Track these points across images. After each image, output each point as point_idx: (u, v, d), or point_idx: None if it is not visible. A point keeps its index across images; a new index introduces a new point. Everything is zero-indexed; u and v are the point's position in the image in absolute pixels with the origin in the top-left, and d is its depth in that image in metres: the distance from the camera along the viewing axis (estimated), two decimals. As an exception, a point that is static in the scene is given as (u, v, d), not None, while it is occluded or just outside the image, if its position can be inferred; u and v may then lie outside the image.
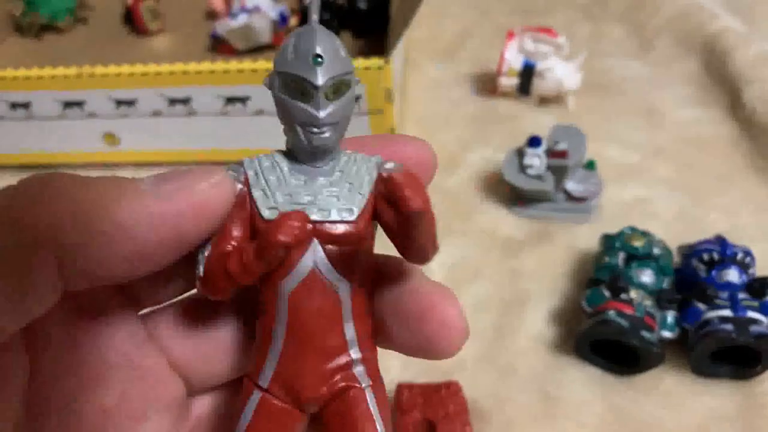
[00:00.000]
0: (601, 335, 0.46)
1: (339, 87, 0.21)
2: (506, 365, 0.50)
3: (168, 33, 0.88)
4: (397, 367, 0.50)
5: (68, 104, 0.63)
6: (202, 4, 0.89)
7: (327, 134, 0.21)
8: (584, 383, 0.48)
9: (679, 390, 0.47)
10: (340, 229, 0.21)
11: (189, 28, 0.87)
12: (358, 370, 0.22)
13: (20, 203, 0.17)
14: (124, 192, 0.18)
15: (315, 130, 0.21)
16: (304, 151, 0.21)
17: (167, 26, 0.88)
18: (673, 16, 0.82)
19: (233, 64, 0.60)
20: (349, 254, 0.21)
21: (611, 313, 0.46)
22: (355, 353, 0.22)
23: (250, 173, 0.21)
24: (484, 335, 0.52)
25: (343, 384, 0.21)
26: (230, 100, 0.61)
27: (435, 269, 0.57)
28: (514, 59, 0.70)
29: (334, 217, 0.21)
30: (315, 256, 0.21)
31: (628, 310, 0.46)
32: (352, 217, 0.21)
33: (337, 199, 0.21)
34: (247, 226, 0.21)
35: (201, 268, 0.21)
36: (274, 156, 0.22)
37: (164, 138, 0.65)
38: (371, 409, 0.21)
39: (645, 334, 0.45)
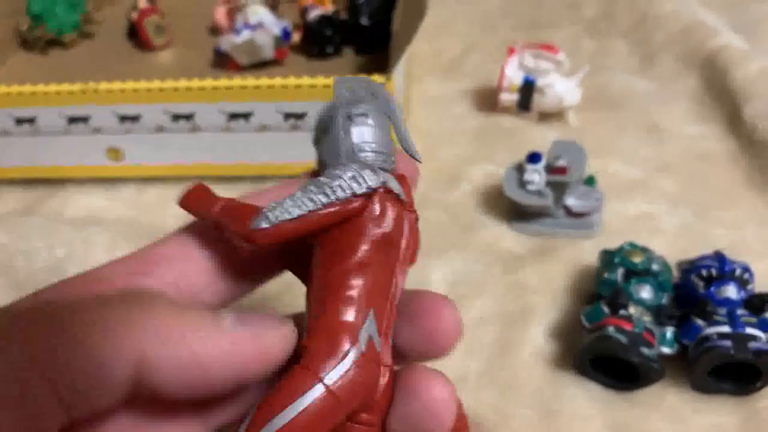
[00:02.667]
0: (600, 351, 0.46)
1: None
2: (508, 380, 0.50)
3: (173, 48, 0.89)
4: (397, 383, 0.50)
5: (73, 119, 0.64)
6: (207, 18, 0.90)
7: None
8: (585, 399, 0.48)
9: (680, 406, 0.47)
10: None
11: (194, 42, 0.88)
12: None
13: (115, 317, 0.20)
14: (207, 327, 0.21)
15: None
16: None
17: (172, 41, 0.89)
18: (676, 32, 0.82)
19: (236, 81, 0.61)
20: None
21: (610, 329, 0.46)
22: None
23: None
24: (486, 350, 0.52)
25: None
26: (233, 116, 0.62)
27: (439, 283, 0.57)
28: (514, 75, 0.70)
29: None
30: None
31: (627, 326, 0.46)
32: None
33: None
34: None
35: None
36: None
37: (168, 153, 0.65)
38: None
39: (644, 350, 0.45)
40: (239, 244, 0.23)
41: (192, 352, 0.20)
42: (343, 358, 0.21)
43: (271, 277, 0.28)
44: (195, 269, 0.25)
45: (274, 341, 0.22)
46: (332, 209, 0.22)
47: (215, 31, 0.88)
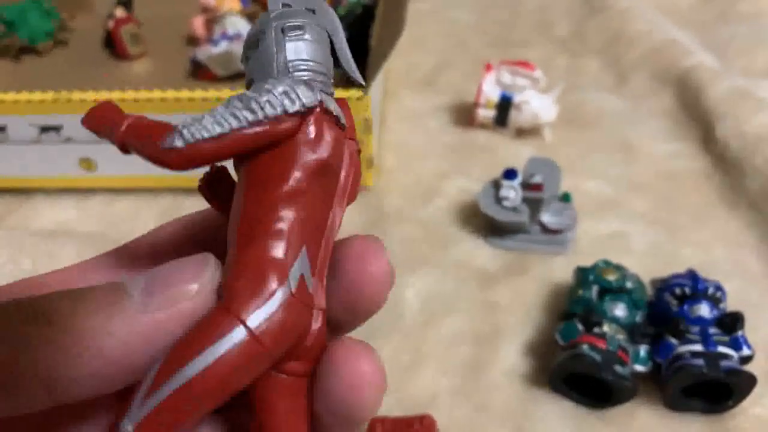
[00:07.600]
0: (574, 369, 0.46)
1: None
2: (481, 399, 0.49)
3: (149, 57, 0.88)
4: (370, 400, 0.49)
5: (44, 129, 0.63)
6: (184, 29, 0.89)
7: None
8: (558, 417, 0.48)
9: (652, 424, 0.47)
10: None
11: (170, 52, 0.87)
12: None
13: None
14: (116, 309, 0.18)
15: None
16: None
17: (148, 50, 0.88)
18: (648, 50, 0.83)
19: (212, 92, 0.60)
20: None
21: (584, 347, 0.46)
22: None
23: None
24: (459, 369, 0.51)
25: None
26: (208, 128, 0.61)
27: (412, 300, 0.56)
28: (491, 91, 0.70)
29: None
30: None
31: (602, 344, 0.46)
32: None
33: None
34: None
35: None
36: None
37: (140, 164, 0.64)
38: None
39: (618, 368, 0.45)
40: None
41: (112, 346, 0.18)
42: (270, 298, 0.18)
43: None
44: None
45: (190, 303, 0.19)
46: (259, 129, 0.19)
47: (192, 41, 0.88)
